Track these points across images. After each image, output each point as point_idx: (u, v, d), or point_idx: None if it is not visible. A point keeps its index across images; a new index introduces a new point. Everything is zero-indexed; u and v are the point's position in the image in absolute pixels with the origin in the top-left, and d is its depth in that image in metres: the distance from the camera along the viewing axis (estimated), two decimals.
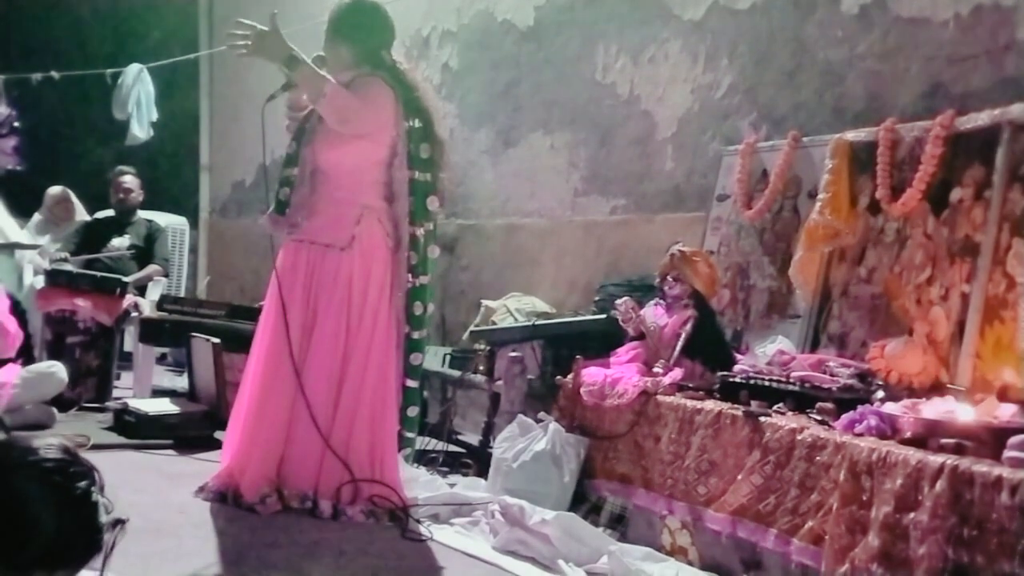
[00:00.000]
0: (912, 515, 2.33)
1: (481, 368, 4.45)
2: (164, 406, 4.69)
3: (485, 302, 5.01)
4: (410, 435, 3.70)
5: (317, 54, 3.57)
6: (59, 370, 4.78)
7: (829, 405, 2.92)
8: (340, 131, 3.45)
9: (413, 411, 3.66)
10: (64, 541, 1.59)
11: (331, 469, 3.41)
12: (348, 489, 3.40)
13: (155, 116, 8.53)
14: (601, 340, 3.88)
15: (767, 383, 3.16)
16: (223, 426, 3.89)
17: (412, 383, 3.63)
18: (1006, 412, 2.55)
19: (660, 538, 3.23)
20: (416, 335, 3.61)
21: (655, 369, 3.54)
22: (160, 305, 5.62)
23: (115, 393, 5.49)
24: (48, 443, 1.64)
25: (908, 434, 2.56)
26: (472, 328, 4.82)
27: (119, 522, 1.64)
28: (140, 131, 8.46)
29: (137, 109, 8.44)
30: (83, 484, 1.61)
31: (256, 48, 3.34)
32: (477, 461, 4.26)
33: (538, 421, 3.72)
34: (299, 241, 3.54)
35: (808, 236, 3.57)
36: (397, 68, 3.59)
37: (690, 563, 3.10)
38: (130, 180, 6.38)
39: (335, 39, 3.57)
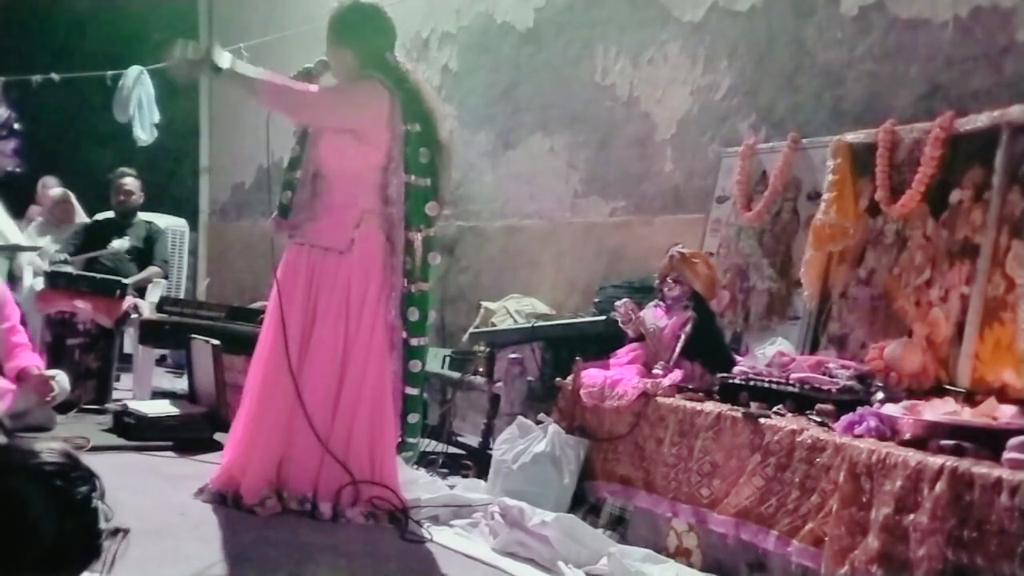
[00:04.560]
0: (912, 516, 2.33)
1: (481, 370, 4.46)
2: (164, 408, 4.68)
3: (485, 304, 5.01)
4: (412, 441, 3.69)
5: (320, 59, 3.56)
6: (62, 379, 4.77)
7: (829, 407, 2.92)
8: (303, 123, 3.51)
9: (413, 418, 3.64)
10: (64, 545, 1.58)
11: (331, 471, 3.41)
12: (348, 491, 3.40)
13: (157, 118, 8.53)
14: (601, 342, 3.88)
15: (767, 385, 3.16)
16: (223, 428, 3.89)
17: (412, 390, 3.60)
18: (1005, 413, 2.56)
19: (666, 540, 3.23)
20: (415, 341, 3.59)
21: (655, 371, 3.54)
22: (160, 307, 5.62)
23: (115, 395, 5.48)
24: (49, 447, 1.64)
25: (908, 435, 2.56)
26: (472, 330, 4.82)
27: (120, 531, 1.63)
28: (143, 133, 8.47)
29: (139, 111, 8.45)
30: (84, 489, 1.61)
31: (177, 72, 3.44)
32: (477, 463, 4.25)
33: (538, 423, 3.72)
34: (300, 244, 3.54)
35: (815, 236, 3.56)
36: (401, 71, 3.54)
37: (691, 565, 3.10)
38: (130, 182, 6.38)
39: (337, 43, 3.52)
